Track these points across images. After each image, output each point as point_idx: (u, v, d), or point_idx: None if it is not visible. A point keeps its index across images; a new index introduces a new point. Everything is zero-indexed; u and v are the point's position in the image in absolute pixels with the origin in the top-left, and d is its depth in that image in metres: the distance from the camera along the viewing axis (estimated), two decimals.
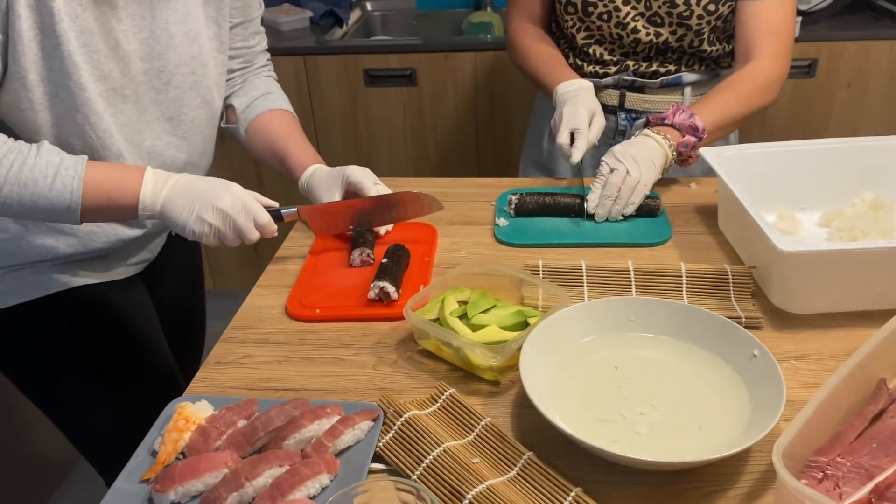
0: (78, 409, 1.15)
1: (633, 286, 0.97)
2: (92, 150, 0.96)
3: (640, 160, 1.11)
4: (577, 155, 1.16)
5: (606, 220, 1.13)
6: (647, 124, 1.22)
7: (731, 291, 0.96)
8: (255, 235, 0.98)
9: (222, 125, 1.20)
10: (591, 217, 1.14)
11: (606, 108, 1.38)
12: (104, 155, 0.97)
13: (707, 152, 1.09)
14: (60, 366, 1.11)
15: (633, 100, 1.37)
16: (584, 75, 1.38)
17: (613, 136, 1.40)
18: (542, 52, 1.37)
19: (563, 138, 1.18)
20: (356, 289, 1.01)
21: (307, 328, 0.96)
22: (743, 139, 1.56)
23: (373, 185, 1.10)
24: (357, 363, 0.89)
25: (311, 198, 1.15)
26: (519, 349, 0.80)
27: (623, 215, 1.12)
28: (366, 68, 2.16)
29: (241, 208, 0.96)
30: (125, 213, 0.93)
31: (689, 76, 1.35)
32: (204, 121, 1.11)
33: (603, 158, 1.14)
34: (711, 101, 1.22)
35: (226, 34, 1.10)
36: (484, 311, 0.90)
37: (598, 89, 1.38)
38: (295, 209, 1.06)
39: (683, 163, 1.20)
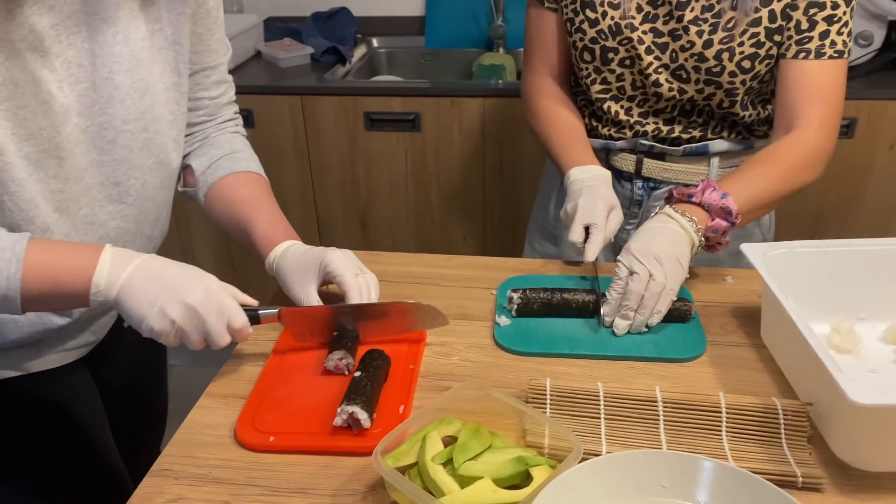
0: None
1: (662, 422, 0.79)
2: (11, 224, 0.81)
3: (664, 260, 0.93)
4: (591, 253, 1.00)
5: (628, 331, 0.95)
6: (668, 199, 1.05)
7: (783, 435, 0.77)
8: (225, 341, 0.83)
9: (179, 188, 1.05)
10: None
11: (621, 175, 1.22)
12: (27, 230, 0.82)
13: (750, 250, 0.92)
14: None
15: (652, 167, 1.20)
16: (597, 136, 1.21)
17: (629, 205, 1.22)
18: (559, 121, 1.20)
19: (575, 236, 1.02)
20: (324, 407, 0.83)
21: (258, 460, 0.78)
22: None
23: (354, 276, 0.93)
24: None
25: (279, 281, 0.99)
26: None
27: (648, 326, 0.94)
28: (367, 111, 2.00)
29: (215, 307, 0.80)
30: (76, 300, 0.79)
31: (717, 144, 1.17)
32: (157, 185, 0.95)
33: (619, 258, 0.95)
34: (746, 177, 1.04)
35: (186, 84, 0.95)
36: (474, 457, 0.72)
37: (612, 152, 1.21)
38: (276, 311, 0.89)
39: (711, 249, 1.02)
